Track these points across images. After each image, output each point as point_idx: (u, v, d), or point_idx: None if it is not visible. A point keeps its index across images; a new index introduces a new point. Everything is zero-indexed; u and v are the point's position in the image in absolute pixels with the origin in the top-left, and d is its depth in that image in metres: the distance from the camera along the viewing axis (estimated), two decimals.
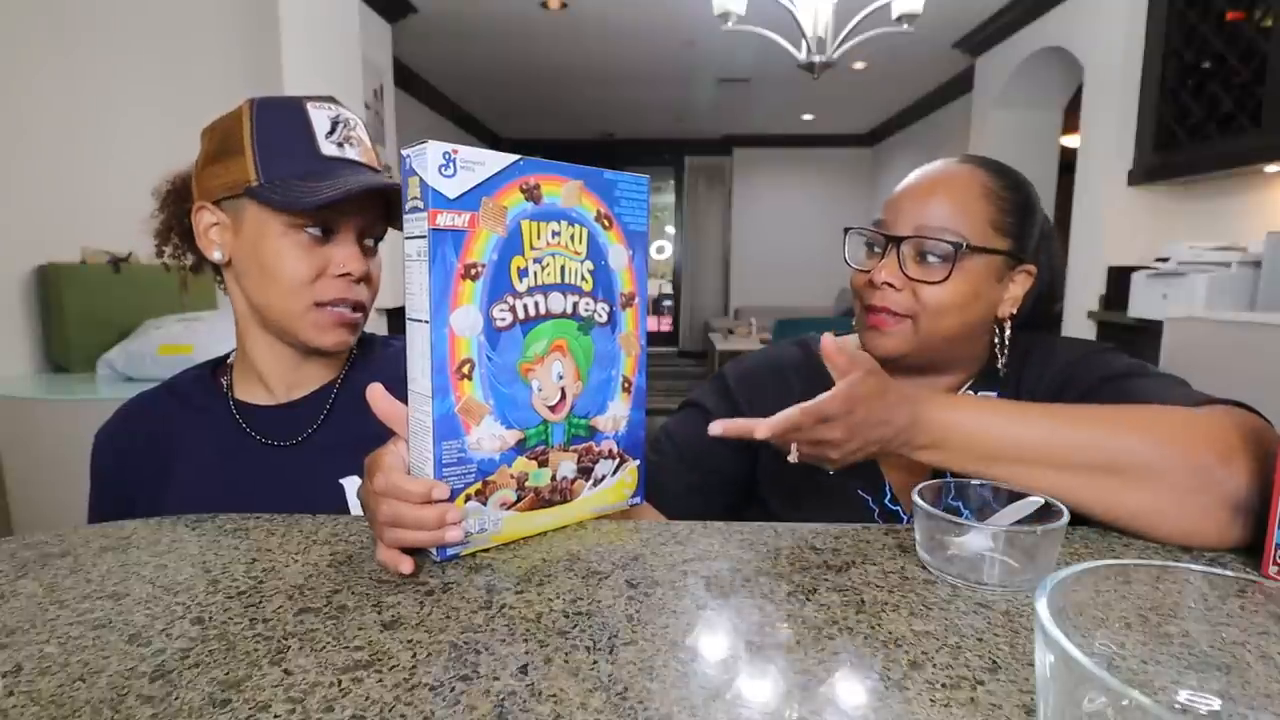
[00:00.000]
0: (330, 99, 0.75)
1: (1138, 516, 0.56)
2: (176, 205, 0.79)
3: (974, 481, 0.56)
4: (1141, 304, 2.70)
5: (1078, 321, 3.31)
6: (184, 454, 0.76)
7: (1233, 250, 2.45)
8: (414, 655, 0.40)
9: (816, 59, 2.93)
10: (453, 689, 0.36)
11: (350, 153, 0.73)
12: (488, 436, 0.52)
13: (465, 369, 0.50)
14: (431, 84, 5.49)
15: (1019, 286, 0.75)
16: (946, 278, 0.70)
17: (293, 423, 0.77)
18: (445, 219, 0.48)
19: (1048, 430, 0.58)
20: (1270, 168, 2.54)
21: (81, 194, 1.97)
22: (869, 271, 0.74)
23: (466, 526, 0.51)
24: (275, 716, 0.34)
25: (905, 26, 2.68)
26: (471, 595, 0.47)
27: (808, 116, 6.87)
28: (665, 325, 8.67)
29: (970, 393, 0.78)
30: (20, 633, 0.43)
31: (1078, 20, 3.45)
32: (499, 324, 0.51)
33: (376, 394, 0.53)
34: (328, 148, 0.72)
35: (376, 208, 0.75)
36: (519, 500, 0.55)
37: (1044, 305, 0.80)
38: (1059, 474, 0.57)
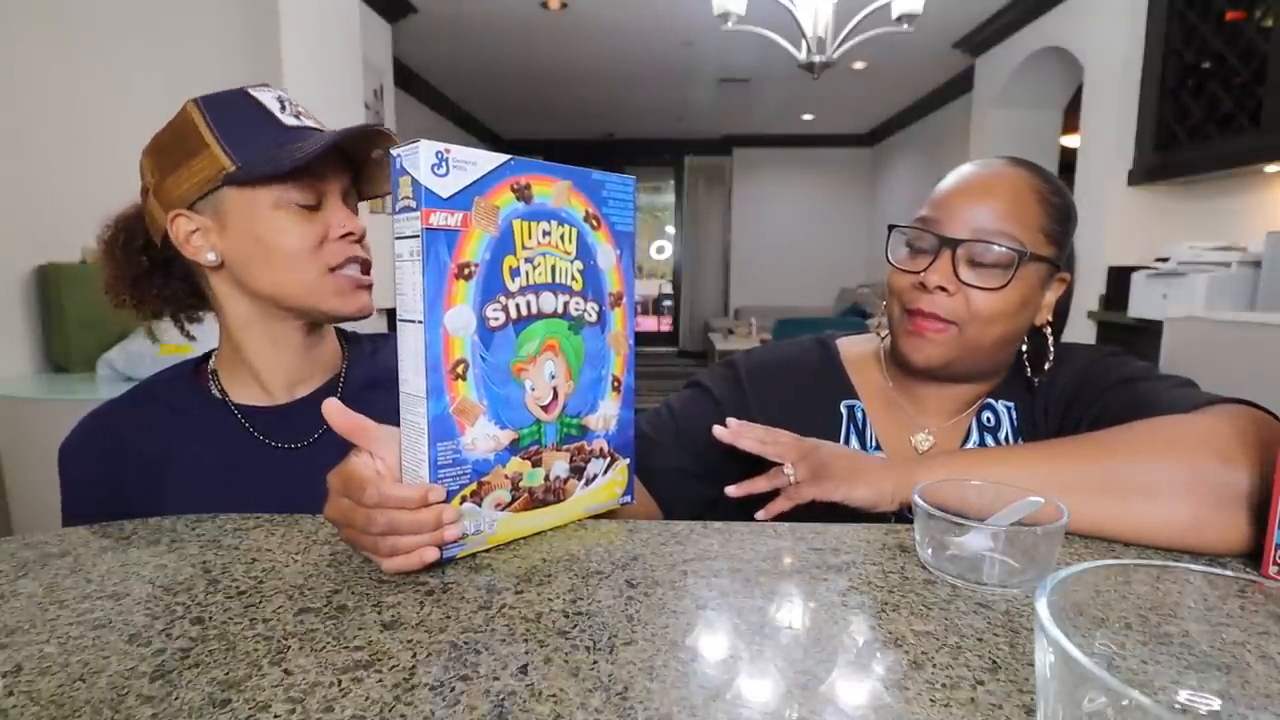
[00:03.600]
0: (264, 84, 0.75)
1: (1145, 532, 0.55)
2: (128, 245, 0.77)
3: (974, 482, 0.56)
4: (1141, 304, 2.70)
5: (1078, 321, 3.31)
6: (181, 460, 0.75)
7: (1233, 250, 2.45)
8: (414, 655, 0.40)
9: (816, 59, 2.93)
10: (453, 689, 0.36)
11: (308, 122, 0.74)
12: (482, 437, 0.52)
13: (459, 369, 0.50)
14: (431, 84, 5.49)
15: (1053, 294, 0.74)
16: (1005, 285, 0.68)
17: (297, 425, 0.76)
18: (439, 218, 0.48)
19: (1047, 470, 0.57)
20: (1270, 168, 2.54)
21: (81, 194, 1.96)
22: (917, 273, 0.71)
23: (463, 527, 0.51)
24: (275, 716, 0.34)
25: (905, 26, 2.68)
26: (471, 595, 0.47)
27: (808, 116, 6.87)
28: (665, 325, 8.68)
29: (990, 410, 0.78)
30: (20, 633, 0.43)
31: (1078, 20, 3.45)
32: (492, 324, 0.51)
33: (333, 409, 0.52)
34: (287, 119, 0.72)
35: (349, 173, 0.76)
36: (513, 501, 0.55)
37: (1060, 317, 0.78)
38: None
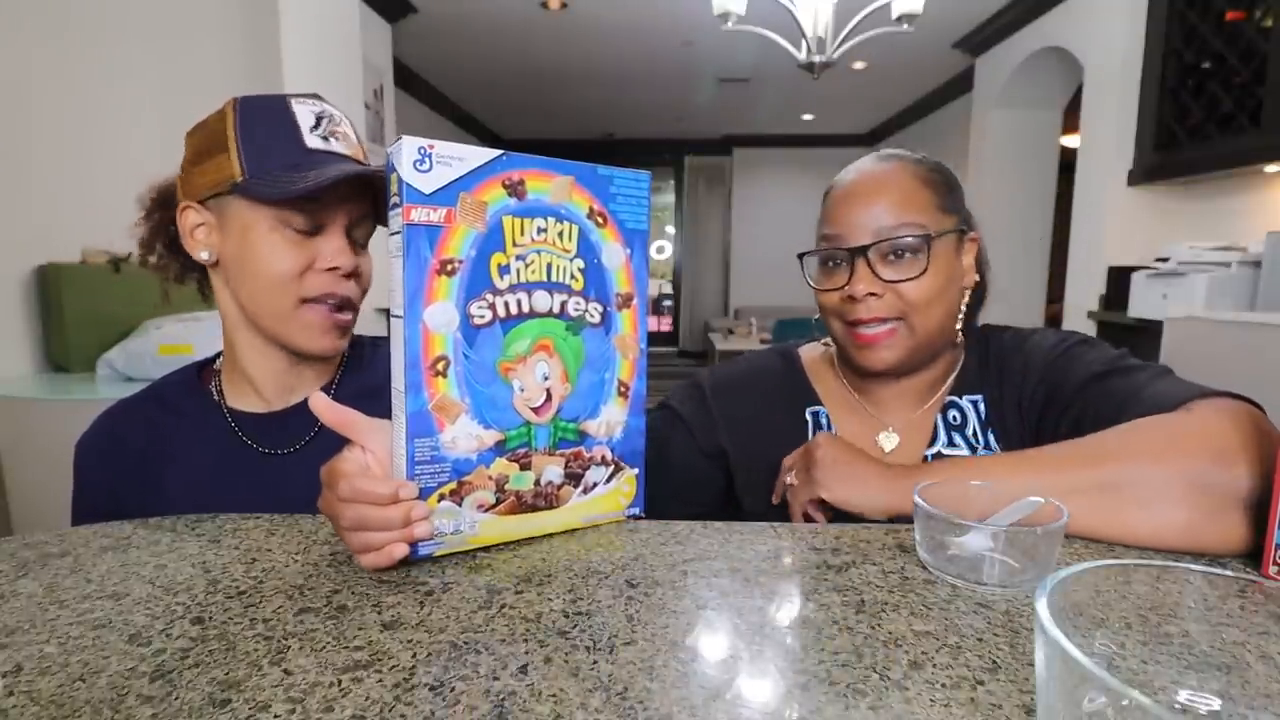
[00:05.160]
0: (315, 95, 0.74)
1: (1143, 539, 0.55)
2: (161, 213, 0.78)
3: (974, 482, 0.56)
4: (1141, 304, 2.70)
5: (1078, 322, 3.31)
6: (176, 463, 0.75)
7: (1233, 250, 2.45)
8: (414, 655, 0.40)
9: (816, 59, 2.92)
10: (453, 689, 0.36)
11: (336, 146, 0.72)
12: (463, 435, 0.51)
13: (439, 366, 0.49)
14: (431, 84, 5.49)
15: (970, 255, 0.78)
16: (925, 270, 0.71)
17: (289, 430, 0.76)
18: (420, 214, 0.47)
19: (1041, 482, 0.57)
20: (1270, 168, 2.54)
21: (81, 194, 1.97)
22: (842, 288, 0.73)
23: (440, 527, 0.51)
24: (275, 716, 0.34)
25: (905, 26, 2.68)
26: (471, 595, 0.47)
27: (808, 116, 6.86)
28: (665, 325, 8.68)
29: (955, 408, 0.78)
30: (20, 633, 0.43)
31: (1078, 20, 3.45)
32: (476, 321, 0.50)
33: (320, 404, 0.52)
34: (313, 141, 0.70)
35: (364, 202, 0.73)
36: (498, 503, 0.54)
37: (978, 295, 0.82)
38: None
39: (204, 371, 0.82)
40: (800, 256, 0.80)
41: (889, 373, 0.75)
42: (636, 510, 0.61)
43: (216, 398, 0.78)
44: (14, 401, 1.62)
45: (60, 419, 1.58)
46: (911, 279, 0.71)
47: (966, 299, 0.77)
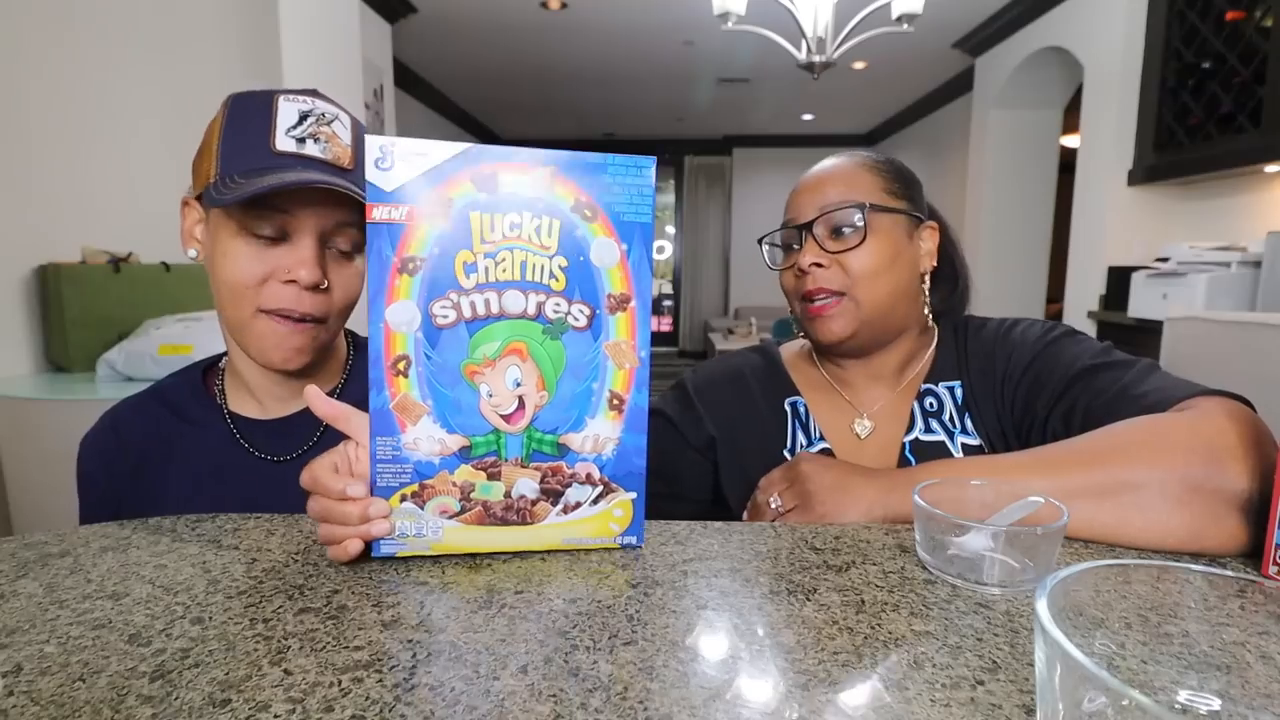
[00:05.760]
0: (313, 92, 0.70)
1: (1147, 541, 0.54)
2: None
3: (974, 481, 0.56)
4: (1141, 304, 2.70)
5: (1078, 322, 3.31)
6: (177, 465, 0.74)
7: (1233, 250, 2.45)
8: (414, 655, 0.40)
9: (816, 59, 2.92)
10: (453, 689, 0.36)
11: (311, 149, 0.67)
12: (425, 438, 0.50)
13: (400, 365, 0.49)
14: (431, 84, 5.49)
15: (929, 241, 0.81)
16: (864, 239, 0.75)
17: (290, 437, 0.75)
18: (380, 212, 0.47)
19: (1033, 485, 0.56)
20: (1270, 168, 2.54)
21: (81, 194, 1.97)
22: (793, 265, 0.78)
23: (401, 528, 0.51)
24: (275, 716, 0.34)
25: (905, 26, 2.68)
26: (471, 595, 0.47)
27: (808, 116, 6.87)
28: (665, 325, 8.68)
29: (931, 395, 0.79)
30: (20, 633, 0.43)
31: (1078, 20, 3.45)
32: (440, 321, 0.49)
33: (314, 396, 0.53)
34: (284, 143, 0.66)
35: (342, 210, 0.68)
36: (463, 511, 0.51)
37: (958, 295, 0.86)
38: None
39: (209, 373, 0.81)
40: (760, 240, 0.85)
41: (845, 347, 0.78)
42: (632, 539, 0.55)
43: (219, 401, 0.77)
44: (14, 401, 1.62)
45: (60, 419, 1.58)
46: (852, 249, 0.75)
47: (926, 283, 0.81)
